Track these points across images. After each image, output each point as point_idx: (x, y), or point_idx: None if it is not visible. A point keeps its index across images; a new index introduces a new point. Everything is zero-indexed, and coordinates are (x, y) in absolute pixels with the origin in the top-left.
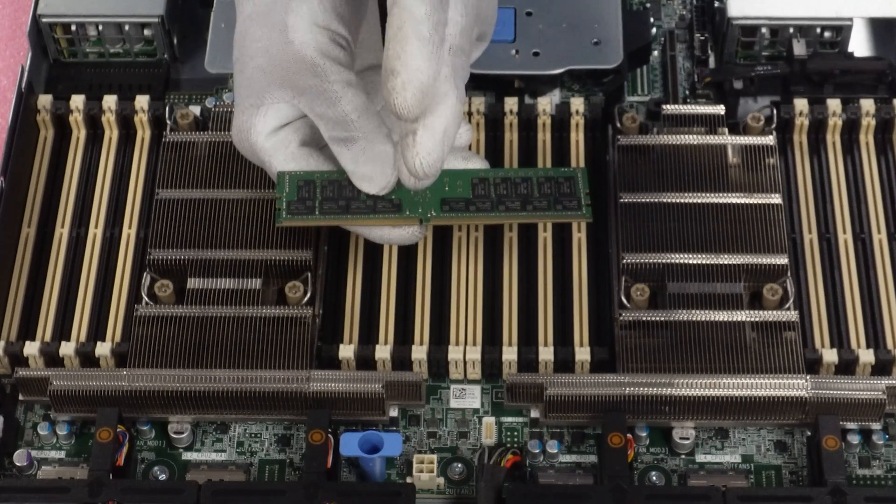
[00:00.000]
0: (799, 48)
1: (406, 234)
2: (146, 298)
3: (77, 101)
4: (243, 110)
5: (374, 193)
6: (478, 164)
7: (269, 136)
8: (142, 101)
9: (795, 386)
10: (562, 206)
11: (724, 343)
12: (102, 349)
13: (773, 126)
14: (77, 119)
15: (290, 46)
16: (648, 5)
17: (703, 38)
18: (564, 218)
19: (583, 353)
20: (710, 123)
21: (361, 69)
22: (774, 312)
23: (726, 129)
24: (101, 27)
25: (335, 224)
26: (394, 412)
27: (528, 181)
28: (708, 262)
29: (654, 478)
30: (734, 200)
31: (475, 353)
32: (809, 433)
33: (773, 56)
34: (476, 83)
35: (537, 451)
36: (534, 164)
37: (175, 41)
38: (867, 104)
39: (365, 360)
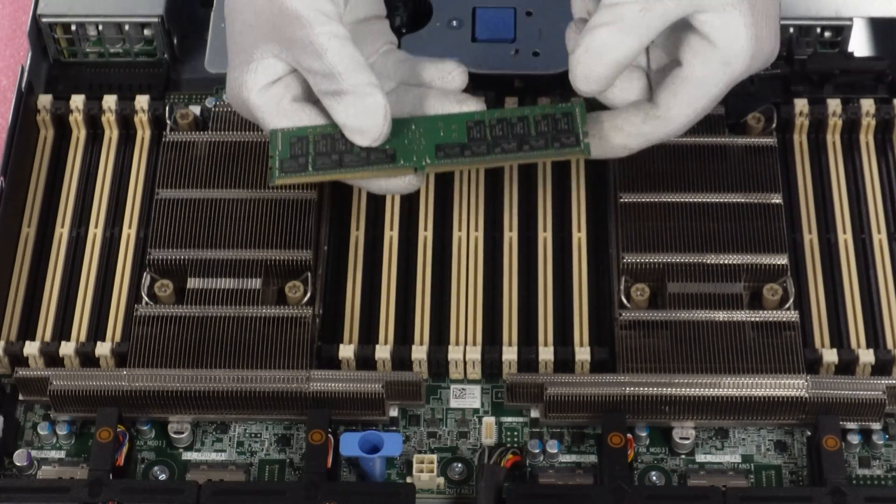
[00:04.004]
0: (799, 48)
1: (403, 184)
2: (146, 298)
3: (77, 101)
4: (234, 67)
5: (367, 145)
6: (473, 105)
7: (260, 91)
8: (142, 101)
9: (795, 386)
10: (559, 143)
11: (724, 343)
12: (102, 349)
13: (773, 126)
14: (77, 119)
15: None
16: None
17: None
18: (562, 156)
19: (583, 353)
20: (710, 123)
21: (355, 21)
22: (774, 312)
23: (726, 129)
24: (101, 27)
25: (330, 179)
26: (394, 412)
27: (524, 120)
28: (708, 262)
29: (654, 478)
30: (734, 200)
31: (475, 353)
32: (809, 433)
33: None
34: (476, 83)
35: (537, 451)
36: (534, 164)
37: (175, 41)
38: (867, 104)
39: (365, 360)
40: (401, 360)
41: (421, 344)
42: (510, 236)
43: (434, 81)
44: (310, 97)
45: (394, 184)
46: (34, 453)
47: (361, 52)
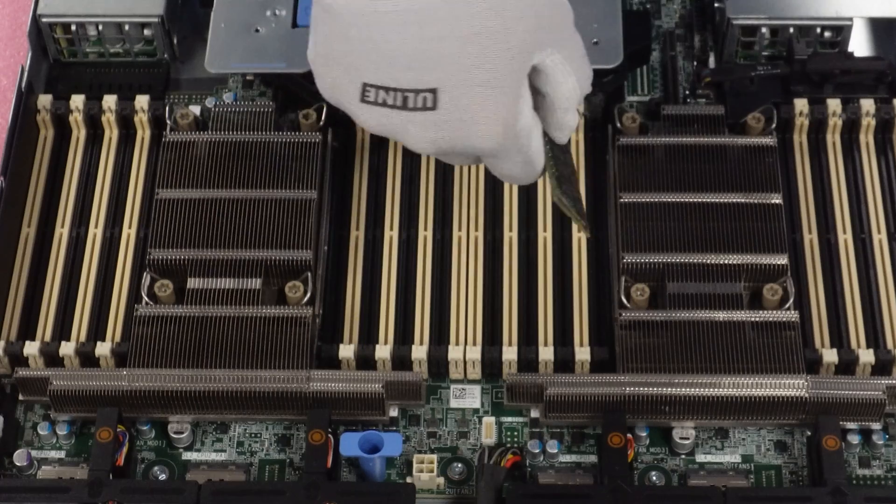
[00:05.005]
0: (799, 48)
1: None
2: (146, 298)
3: (77, 101)
4: (494, 97)
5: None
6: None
7: (531, 115)
8: (142, 101)
9: (795, 386)
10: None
11: (724, 343)
12: (102, 349)
13: (773, 126)
14: (77, 119)
15: None
16: (648, 5)
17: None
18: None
19: (583, 353)
20: (710, 123)
21: None
22: (774, 312)
23: (726, 129)
24: (101, 27)
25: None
26: (394, 412)
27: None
28: (708, 262)
29: (654, 478)
30: (734, 200)
31: (475, 353)
32: (809, 433)
33: (773, 56)
34: None
35: (537, 451)
36: None
37: (175, 41)
38: (867, 104)
39: (365, 360)
40: (401, 360)
41: (421, 344)
42: (510, 236)
43: None
44: None
45: None
46: (34, 453)
47: None
